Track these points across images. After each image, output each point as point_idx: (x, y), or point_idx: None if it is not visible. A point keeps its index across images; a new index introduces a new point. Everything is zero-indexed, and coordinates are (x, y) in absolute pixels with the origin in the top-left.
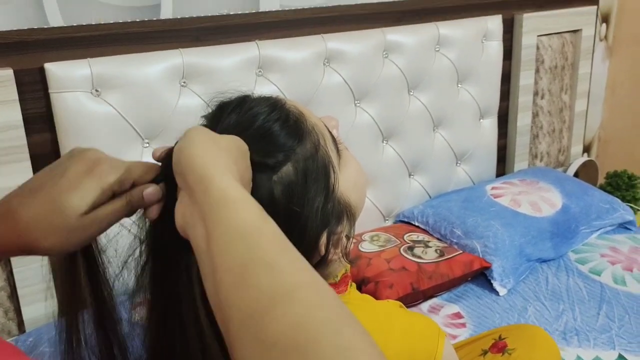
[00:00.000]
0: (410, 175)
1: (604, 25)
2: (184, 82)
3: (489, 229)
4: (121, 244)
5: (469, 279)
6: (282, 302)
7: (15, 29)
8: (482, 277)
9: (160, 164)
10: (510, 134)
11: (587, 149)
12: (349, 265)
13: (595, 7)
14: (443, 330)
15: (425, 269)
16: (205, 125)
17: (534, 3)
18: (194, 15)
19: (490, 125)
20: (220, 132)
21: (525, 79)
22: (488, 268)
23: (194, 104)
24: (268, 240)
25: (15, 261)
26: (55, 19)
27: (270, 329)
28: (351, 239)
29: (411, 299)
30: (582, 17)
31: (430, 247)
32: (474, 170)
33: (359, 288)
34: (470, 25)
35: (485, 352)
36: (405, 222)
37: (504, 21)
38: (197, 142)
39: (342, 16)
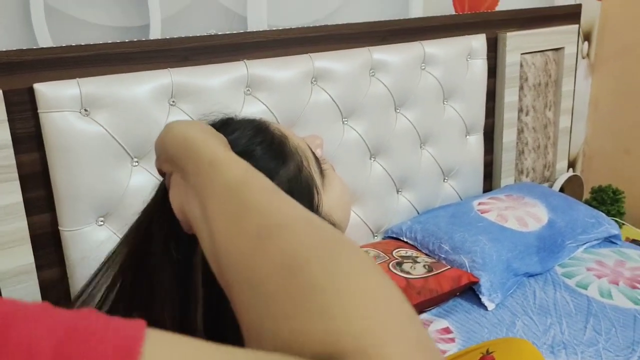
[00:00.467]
0: (398, 191)
1: (586, 43)
2: (173, 102)
3: (476, 244)
4: None
5: (458, 294)
6: (271, 236)
7: (4, 49)
8: (470, 292)
9: None
10: (496, 150)
11: (572, 165)
12: None
13: (577, 25)
14: None
15: (414, 285)
16: None
17: (517, 22)
18: (183, 36)
19: (476, 141)
20: None
21: (509, 96)
22: (476, 283)
23: None
24: (257, 190)
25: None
26: (45, 40)
27: (262, 261)
28: None
29: None
30: (564, 36)
31: (419, 262)
32: (461, 186)
33: None
34: (455, 44)
35: None
36: (393, 238)
37: (488, 40)
38: (177, 125)
39: (329, 36)
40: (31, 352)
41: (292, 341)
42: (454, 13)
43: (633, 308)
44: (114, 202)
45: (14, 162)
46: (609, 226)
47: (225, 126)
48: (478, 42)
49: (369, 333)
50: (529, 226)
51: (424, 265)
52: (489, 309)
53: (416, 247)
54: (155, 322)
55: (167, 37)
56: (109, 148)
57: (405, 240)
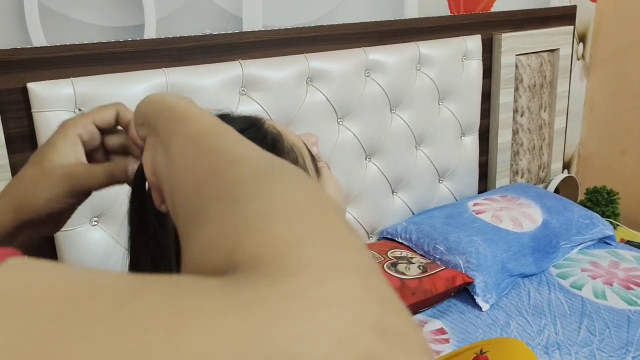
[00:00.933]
0: (393, 192)
1: (581, 44)
2: None
3: (471, 244)
4: None
5: (452, 294)
6: (221, 172)
7: None
8: (465, 292)
9: None
10: (491, 151)
11: (567, 166)
12: None
13: (572, 27)
14: None
15: (409, 285)
16: None
17: (512, 23)
18: (178, 35)
19: (471, 142)
20: None
21: (504, 97)
22: (471, 283)
23: None
24: (222, 136)
25: None
26: (38, 39)
27: (204, 192)
28: None
29: None
30: (559, 37)
31: (414, 263)
32: (456, 186)
33: None
34: (450, 45)
35: None
36: (388, 239)
37: (483, 41)
38: (155, 93)
39: (325, 36)
40: None
41: (200, 258)
42: (449, 14)
43: (627, 309)
44: (108, 202)
45: (7, 161)
46: (604, 227)
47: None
48: (473, 43)
49: (275, 240)
50: (523, 227)
51: (419, 266)
52: (484, 309)
53: (411, 248)
54: None
55: (162, 37)
56: None
57: (400, 241)
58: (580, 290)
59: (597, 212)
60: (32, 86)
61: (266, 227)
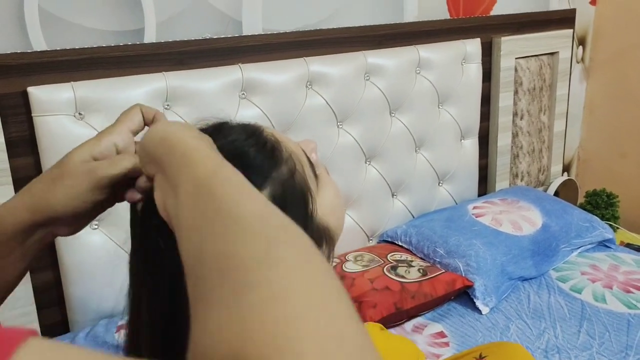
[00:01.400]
0: (393, 195)
1: (581, 47)
2: (168, 105)
3: (471, 248)
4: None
5: (452, 298)
6: (223, 233)
7: None
8: (465, 296)
9: None
10: (491, 154)
11: (566, 169)
12: None
13: (572, 30)
14: (423, 352)
15: (409, 289)
16: None
17: (512, 27)
18: (177, 39)
19: (471, 145)
20: None
21: (504, 100)
22: (470, 287)
23: None
24: (225, 190)
25: None
26: (39, 43)
27: (205, 256)
28: (331, 262)
29: (395, 319)
30: (558, 40)
31: (414, 266)
32: (456, 189)
33: None
34: (450, 48)
35: None
36: (388, 242)
37: (483, 44)
38: (156, 125)
39: (324, 40)
40: None
41: (208, 344)
42: (448, 17)
43: (627, 312)
44: None
45: (7, 165)
46: (603, 230)
47: (219, 130)
48: (473, 46)
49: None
50: (523, 230)
51: (419, 269)
52: (483, 313)
53: (411, 251)
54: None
55: (162, 41)
56: None
57: (400, 244)
58: (580, 293)
59: (596, 215)
60: (32, 90)
61: (271, 320)
